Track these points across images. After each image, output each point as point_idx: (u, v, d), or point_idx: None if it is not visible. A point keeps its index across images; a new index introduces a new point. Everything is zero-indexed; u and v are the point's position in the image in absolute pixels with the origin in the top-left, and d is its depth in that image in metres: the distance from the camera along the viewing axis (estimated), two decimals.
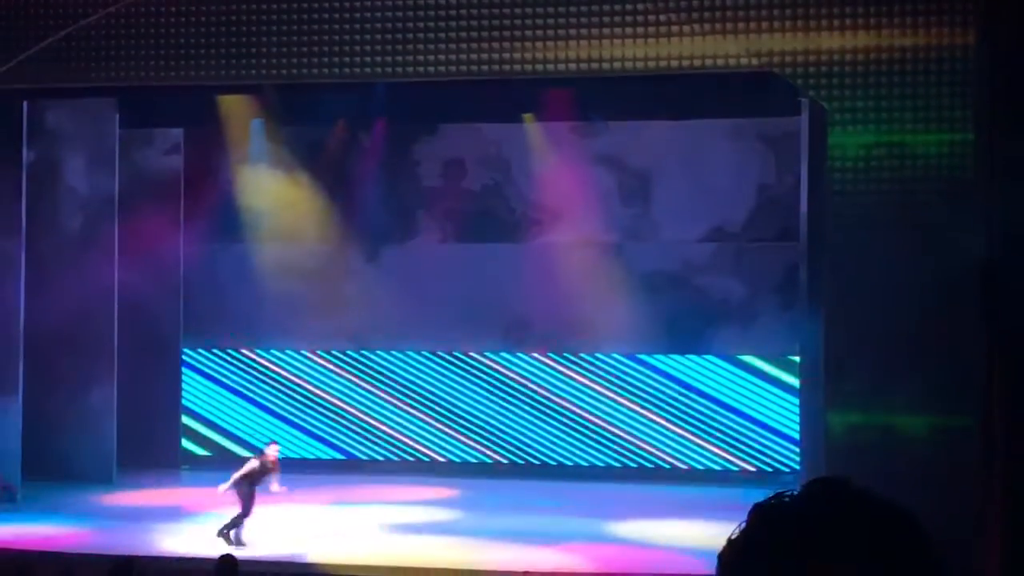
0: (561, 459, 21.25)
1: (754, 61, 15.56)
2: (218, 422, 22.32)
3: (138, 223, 20.43)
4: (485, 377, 21.58)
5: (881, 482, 1.68)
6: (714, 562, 1.67)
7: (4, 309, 18.18)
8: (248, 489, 15.53)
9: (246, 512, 15.51)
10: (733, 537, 1.65)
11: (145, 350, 21.05)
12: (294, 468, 21.55)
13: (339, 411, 21.95)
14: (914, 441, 14.79)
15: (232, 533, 15.44)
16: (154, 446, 21.31)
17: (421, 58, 16.25)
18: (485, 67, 16.22)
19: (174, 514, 17.91)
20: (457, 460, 21.52)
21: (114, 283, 20.14)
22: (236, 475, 15.60)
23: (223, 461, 21.97)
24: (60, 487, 19.01)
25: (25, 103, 18.44)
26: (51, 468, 19.38)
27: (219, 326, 21.89)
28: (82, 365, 19.98)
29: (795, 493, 1.65)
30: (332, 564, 14.68)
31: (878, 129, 15.27)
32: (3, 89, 17.29)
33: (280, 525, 16.97)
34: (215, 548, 14.50)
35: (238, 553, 13.43)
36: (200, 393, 22.29)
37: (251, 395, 22.26)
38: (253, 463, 15.77)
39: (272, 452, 16.09)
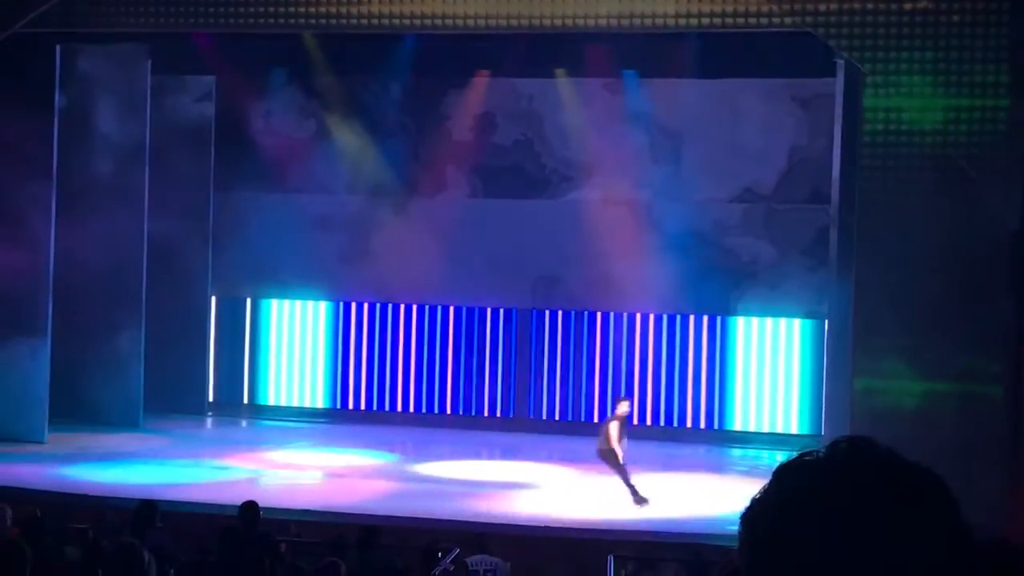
0: (584, 416, 21.24)
1: (790, 20, 15.43)
2: (244, 370, 22.42)
3: (168, 170, 20.48)
4: (511, 333, 21.58)
5: (906, 446, 1.67)
6: (737, 520, 1.66)
7: (34, 253, 18.26)
8: (612, 451, 15.30)
9: (624, 467, 15.36)
10: (757, 496, 1.63)
11: (173, 297, 21.13)
12: (317, 417, 21.75)
13: (363, 363, 22.01)
14: (940, 407, 14.74)
15: (634, 493, 15.35)
16: (181, 393, 21.43)
17: (452, 10, 16.18)
18: (516, 21, 16.13)
19: (199, 460, 18.05)
20: (481, 415, 21.54)
21: (144, 230, 20.22)
22: (604, 446, 15.33)
23: (247, 409, 22.19)
24: (87, 431, 19.18)
25: (58, 47, 18.44)
26: (78, 412, 19.53)
27: (247, 275, 21.94)
28: (111, 310, 20.08)
29: (820, 452, 1.63)
30: (336, 512, 14.69)
31: (912, 92, 15.14)
32: (37, 32, 17.32)
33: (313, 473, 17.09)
34: (648, 512, 15.05)
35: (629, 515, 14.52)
36: (227, 341, 22.38)
37: (277, 344, 22.34)
38: (613, 424, 15.41)
39: (623, 408, 15.77)
